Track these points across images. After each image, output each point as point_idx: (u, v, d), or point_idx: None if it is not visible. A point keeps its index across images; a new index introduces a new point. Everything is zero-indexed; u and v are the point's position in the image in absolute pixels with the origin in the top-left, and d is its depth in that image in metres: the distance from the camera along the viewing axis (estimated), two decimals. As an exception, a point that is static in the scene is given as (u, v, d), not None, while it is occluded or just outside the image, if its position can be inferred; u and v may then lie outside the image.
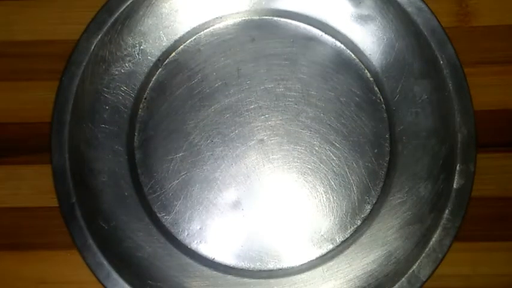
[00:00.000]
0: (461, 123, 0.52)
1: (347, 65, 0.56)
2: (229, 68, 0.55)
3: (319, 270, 0.53)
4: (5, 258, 0.54)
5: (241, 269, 0.53)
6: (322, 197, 0.54)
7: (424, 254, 0.50)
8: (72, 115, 0.52)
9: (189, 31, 0.56)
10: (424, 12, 0.53)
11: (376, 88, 0.55)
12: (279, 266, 0.53)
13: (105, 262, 0.51)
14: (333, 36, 0.56)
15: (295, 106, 0.55)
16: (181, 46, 0.56)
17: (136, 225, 0.53)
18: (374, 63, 0.55)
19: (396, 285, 0.50)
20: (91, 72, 0.53)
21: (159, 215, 0.54)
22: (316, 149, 0.54)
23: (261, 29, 0.56)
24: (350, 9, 0.55)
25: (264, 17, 0.56)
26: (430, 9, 0.53)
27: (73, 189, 0.51)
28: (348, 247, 0.53)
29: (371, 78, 0.55)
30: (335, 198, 0.54)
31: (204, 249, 0.54)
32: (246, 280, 0.53)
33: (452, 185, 0.51)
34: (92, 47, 0.53)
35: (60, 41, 0.55)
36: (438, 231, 0.51)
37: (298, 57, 0.56)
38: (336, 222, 0.54)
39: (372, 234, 0.53)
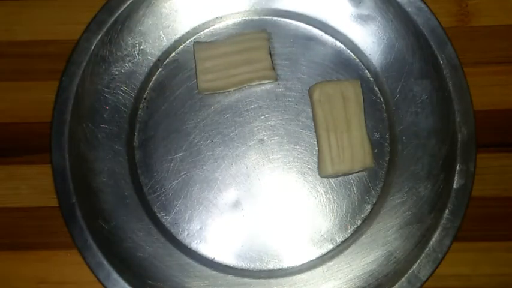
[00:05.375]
0: (461, 123, 0.52)
1: (347, 65, 0.56)
2: (229, 68, 0.55)
3: (319, 270, 0.53)
4: (5, 258, 0.54)
5: (241, 269, 0.53)
6: (322, 197, 0.54)
7: (424, 254, 0.50)
8: (72, 115, 0.52)
9: (189, 31, 0.56)
10: (424, 12, 0.53)
11: (376, 88, 0.55)
12: (279, 266, 0.53)
13: (105, 262, 0.51)
14: (333, 36, 0.56)
15: (295, 106, 0.55)
16: (181, 46, 0.56)
17: (137, 225, 0.53)
18: (374, 63, 0.55)
19: (396, 285, 0.50)
20: (91, 72, 0.53)
21: (159, 215, 0.54)
22: (316, 149, 0.54)
23: (261, 29, 0.56)
24: (350, 9, 0.55)
25: (264, 17, 0.56)
26: (430, 9, 0.53)
27: (73, 189, 0.51)
28: (348, 247, 0.53)
29: (371, 78, 0.55)
30: (335, 198, 0.54)
31: (204, 249, 0.54)
32: (246, 280, 0.53)
33: (452, 185, 0.51)
34: (92, 47, 0.53)
35: (60, 41, 0.55)
36: (438, 231, 0.51)
37: (298, 57, 0.56)
38: (336, 222, 0.54)
39: (372, 234, 0.53)
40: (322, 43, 0.56)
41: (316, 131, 0.54)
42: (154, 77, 0.56)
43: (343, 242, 0.53)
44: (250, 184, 0.54)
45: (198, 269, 0.53)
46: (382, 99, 0.55)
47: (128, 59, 0.55)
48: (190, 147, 0.55)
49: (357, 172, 0.53)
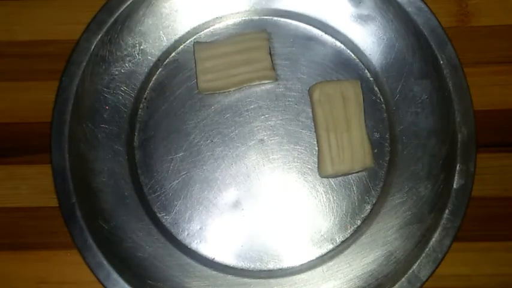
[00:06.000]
0: (461, 123, 0.52)
1: (347, 65, 0.56)
2: (229, 68, 0.55)
3: (319, 270, 0.53)
4: (5, 258, 0.54)
5: (241, 269, 0.53)
6: (322, 197, 0.54)
7: (424, 254, 0.50)
8: (72, 115, 0.52)
9: (189, 31, 0.56)
10: (424, 12, 0.53)
11: (376, 88, 0.55)
12: (279, 266, 0.53)
13: (105, 262, 0.51)
14: (333, 36, 0.56)
15: (295, 106, 0.55)
16: (181, 46, 0.56)
17: (137, 225, 0.53)
18: (374, 63, 0.55)
19: (396, 285, 0.50)
20: (91, 72, 0.53)
21: (159, 215, 0.54)
22: (316, 149, 0.54)
23: (261, 29, 0.56)
24: (350, 9, 0.55)
25: (264, 17, 0.56)
26: (430, 9, 0.53)
27: (73, 189, 0.51)
28: (348, 247, 0.53)
29: (371, 78, 0.55)
30: (335, 198, 0.54)
31: (204, 249, 0.54)
32: (246, 280, 0.53)
33: (452, 185, 0.51)
34: (92, 47, 0.53)
35: (60, 41, 0.56)
36: (438, 231, 0.51)
37: (298, 57, 0.56)
38: (336, 222, 0.54)
39: (372, 234, 0.53)
40: (322, 43, 0.56)
41: (316, 131, 0.54)
42: (154, 77, 0.56)
43: (343, 242, 0.53)
44: (250, 184, 0.54)
45: (198, 269, 0.53)
46: (382, 99, 0.55)
47: (128, 59, 0.55)
48: (190, 147, 0.55)
49: (357, 172, 0.53)
